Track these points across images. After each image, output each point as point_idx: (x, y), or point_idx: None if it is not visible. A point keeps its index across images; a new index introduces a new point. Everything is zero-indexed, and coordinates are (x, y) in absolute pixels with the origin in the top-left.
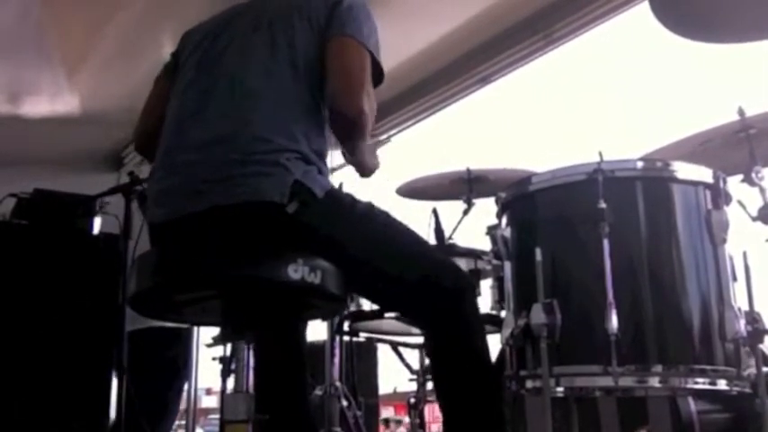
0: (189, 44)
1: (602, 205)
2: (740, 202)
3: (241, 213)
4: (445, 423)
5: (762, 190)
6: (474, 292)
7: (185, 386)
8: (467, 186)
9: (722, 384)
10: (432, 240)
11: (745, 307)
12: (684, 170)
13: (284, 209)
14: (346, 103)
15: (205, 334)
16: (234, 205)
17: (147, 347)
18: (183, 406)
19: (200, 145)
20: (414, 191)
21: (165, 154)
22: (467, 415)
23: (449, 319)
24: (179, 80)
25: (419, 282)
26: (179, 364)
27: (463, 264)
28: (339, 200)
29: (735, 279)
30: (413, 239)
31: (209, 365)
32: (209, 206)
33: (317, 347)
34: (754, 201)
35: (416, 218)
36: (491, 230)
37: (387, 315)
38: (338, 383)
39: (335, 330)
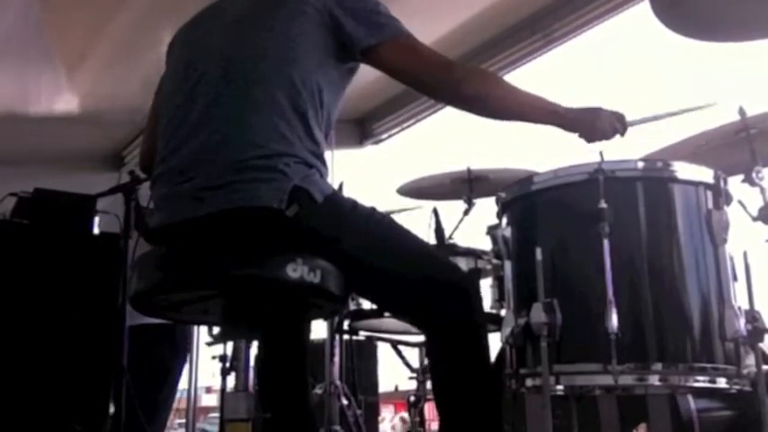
0: (175, 47)
1: (603, 205)
2: (741, 202)
3: (241, 217)
4: (442, 424)
5: (762, 190)
6: (478, 293)
7: (179, 388)
8: (467, 186)
9: (722, 383)
10: (432, 240)
11: (746, 306)
12: (685, 170)
13: (283, 213)
14: (451, 96)
15: (205, 333)
16: (233, 210)
17: (133, 347)
18: (182, 405)
19: (194, 153)
20: (414, 190)
21: (161, 162)
22: (465, 417)
23: (452, 321)
24: (167, 85)
25: (424, 282)
26: (169, 366)
27: (463, 263)
28: (340, 203)
29: (735, 279)
30: (416, 242)
31: (208, 364)
32: (209, 211)
33: (317, 346)
34: (754, 201)
35: (417, 218)
36: (491, 230)
37: (386, 314)
38: (338, 382)
39: (335, 329)
